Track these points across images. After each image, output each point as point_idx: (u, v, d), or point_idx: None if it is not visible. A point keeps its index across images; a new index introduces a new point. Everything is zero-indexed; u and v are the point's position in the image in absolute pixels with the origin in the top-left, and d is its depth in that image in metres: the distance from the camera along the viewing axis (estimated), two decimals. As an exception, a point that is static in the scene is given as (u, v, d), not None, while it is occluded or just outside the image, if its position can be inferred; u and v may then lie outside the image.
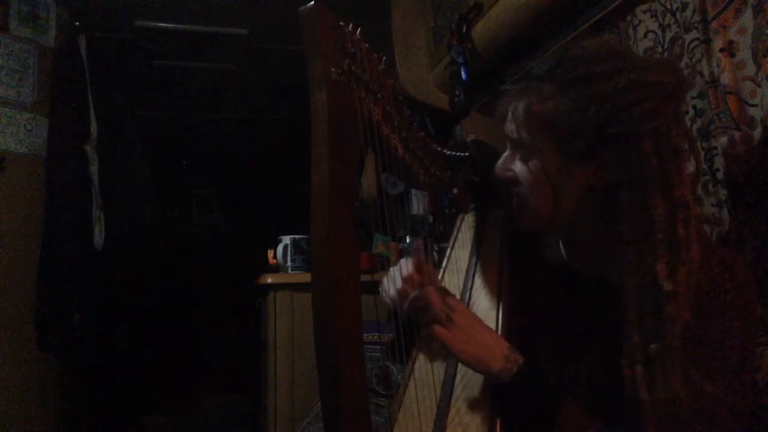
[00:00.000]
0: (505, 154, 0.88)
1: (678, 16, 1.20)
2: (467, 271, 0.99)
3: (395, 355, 0.88)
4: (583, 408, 0.77)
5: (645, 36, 1.29)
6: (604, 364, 0.80)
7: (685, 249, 0.72)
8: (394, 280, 0.92)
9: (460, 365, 0.86)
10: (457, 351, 0.78)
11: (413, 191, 2.66)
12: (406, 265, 0.92)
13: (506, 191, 0.88)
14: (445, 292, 0.83)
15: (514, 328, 0.87)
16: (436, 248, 2.26)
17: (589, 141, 0.76)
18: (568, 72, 0.77)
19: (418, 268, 0.91)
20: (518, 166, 0.84)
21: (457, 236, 1.08)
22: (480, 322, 0.82)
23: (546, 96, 0.78)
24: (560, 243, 0.92)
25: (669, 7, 1.23)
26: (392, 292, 0.91)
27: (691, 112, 1.15)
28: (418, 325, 0.83)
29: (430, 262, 0.95)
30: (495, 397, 0.80)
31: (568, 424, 0.74)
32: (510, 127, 0.84)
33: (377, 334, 1.01)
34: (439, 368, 0.89)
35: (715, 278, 0.75)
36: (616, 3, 1.37)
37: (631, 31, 1.34)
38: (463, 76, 1.85)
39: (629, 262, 0.74)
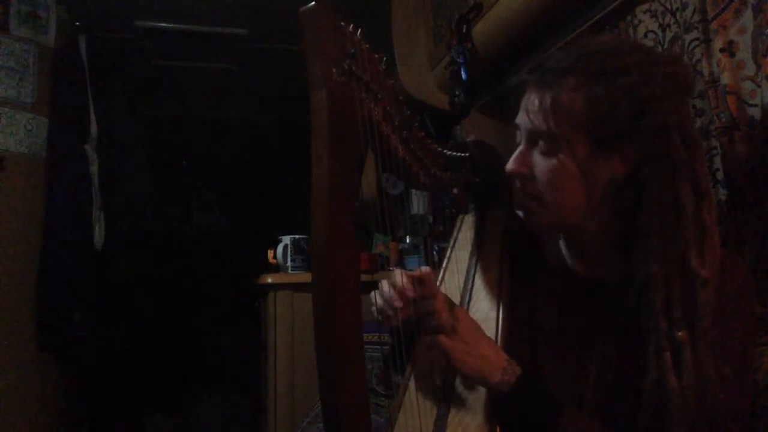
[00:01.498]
0: (520, 148, 0.84)
1: (678, 16, 1.20)
2: (467, 272, 0.99)
3: (395, 365, 0.88)
4: (583, 414, 0.77)
5: (645, 36, 1.29)
6: (609, 366, 0.80)
7: (710, 236, 0.74)
8: (383, 291, 0.87)
9: None
10: (458, 362, 0.78)
11: (413, 191, 2.66)
12: (400, 277, 0.85)
13: (517, 187, 0.85)
14: (450, 302, 0.83)
15: (514, 329, 0.87)
16: (436, 248, 2.26)
17: (620, 132, 0.76)
18: (594, 64, 0.76)
19: (420, 280, 0.85)
20: (538, 161, 0.81)
21: (457, 237, 1.08)
22: (482, 333, 0.81)
23: (573, 88, 0.77)
24: (561, 243, 0.92)
25: (669, 7, 1.23)
26: (380, 301, 0.86)
27: (691, 112, 1.15)
28: (419, 329, 0.83)
29: (433, 278, 0.92)
30: (495, 399, 0.80)
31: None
32: (535, 119, 0.80)
33: (377, 334, 1.01)
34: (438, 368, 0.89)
35: (715, 274, 0.75)
36: (616, 3, 1.37)
37: (631, 31, 1.34)
38: (463, 76, 1.85)
39: (656, 253, 0.74)
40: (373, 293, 0.89)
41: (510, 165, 0.84)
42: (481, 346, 0.79)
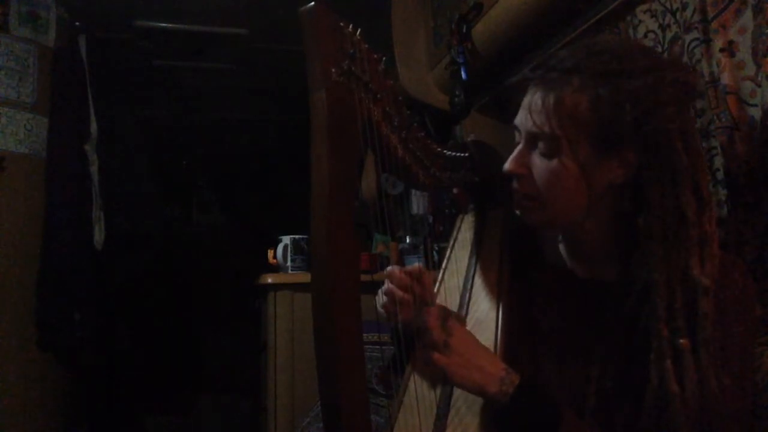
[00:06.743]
0: (519, 148, 0.83)
1: (678, 16, 1.20)
2: (467, 272, 0.99)
3: (396, 369, 0.88)
4: (584, 421, 0.77)
5: (645, 36, 1.29)
6: (609, 369, 0.79)
7: (711, 244, 0.74)
8: (386, 290, 0.91)
9: None
10: (454, 376, 0.77)
11: (413, 191, 2.66)
12: (397, 272, 0.91)
13: (514, 187, 0.84)
14: (443, 312, 0.82)
15: (514, 330, 0.86)
16: (436, 248, 2.26)
17: (623, 136, 0.75)
18: (600, 65, 0.76)
19: (416, 277, 0.90)
20: (537, 162, 0.81)
21: (456, 237, 1.08)
22: (477, 344, 0.80)
23: (577, 88, 0.76)
24: (560, 245, 0.92)
25: (669, 7, 1.23)
26: (384, 300, 0.90)
27: (691, 112, 1.15)
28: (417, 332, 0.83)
29: (430, 277, 0.94)
30: (494, 409, 0.79)
31: None
32: (537, 119, 0.79)
33: (377, 334, 1.01)
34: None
35: (715, 282, 0.75)
36: (616, 3, 1.37)
37: (631, 31, 1.34)
38: (463, 76, 1.85)
39: (658, 258, 0.74)
40: (379, 292, 0.91)
41: (508, 165, 0.83)
42: (477, 357, 0.78)
